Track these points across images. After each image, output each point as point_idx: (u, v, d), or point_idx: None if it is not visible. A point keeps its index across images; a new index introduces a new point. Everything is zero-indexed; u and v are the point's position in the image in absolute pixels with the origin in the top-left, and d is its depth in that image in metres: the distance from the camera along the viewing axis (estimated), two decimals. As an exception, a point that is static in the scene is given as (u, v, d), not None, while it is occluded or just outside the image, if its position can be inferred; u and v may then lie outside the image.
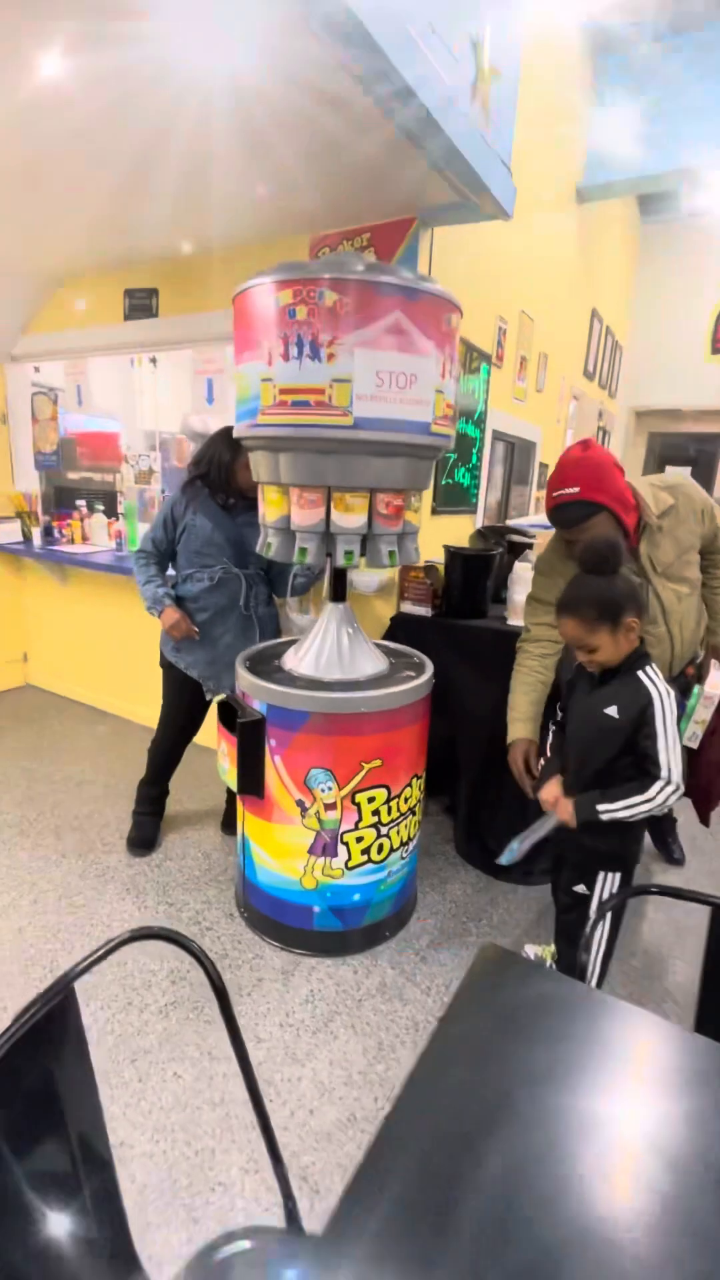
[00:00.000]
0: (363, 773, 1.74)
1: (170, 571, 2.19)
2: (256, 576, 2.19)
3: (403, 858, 1.92)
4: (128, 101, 1.59)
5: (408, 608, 2.47)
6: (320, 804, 1.74)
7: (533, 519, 3.16)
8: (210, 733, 2.29)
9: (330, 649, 1.85)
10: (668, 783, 1.34)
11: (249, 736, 1.75)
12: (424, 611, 2.44)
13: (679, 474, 1.82)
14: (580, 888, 1.51)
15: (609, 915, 1.49)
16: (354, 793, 1.75)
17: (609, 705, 1.40)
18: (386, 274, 1.42)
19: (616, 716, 1.38)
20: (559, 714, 1.62)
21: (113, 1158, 0.81)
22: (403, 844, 1.89)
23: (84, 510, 3.53)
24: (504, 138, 1.93)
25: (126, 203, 2.21)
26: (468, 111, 1.69)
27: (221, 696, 2.22)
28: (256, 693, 1.76)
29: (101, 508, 3.52)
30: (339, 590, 1.89)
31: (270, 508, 1.69)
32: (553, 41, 3.15)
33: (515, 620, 2.34)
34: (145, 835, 2.36)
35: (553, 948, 1.76)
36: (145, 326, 2.96)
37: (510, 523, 2.93)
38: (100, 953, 0.78)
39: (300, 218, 2.32)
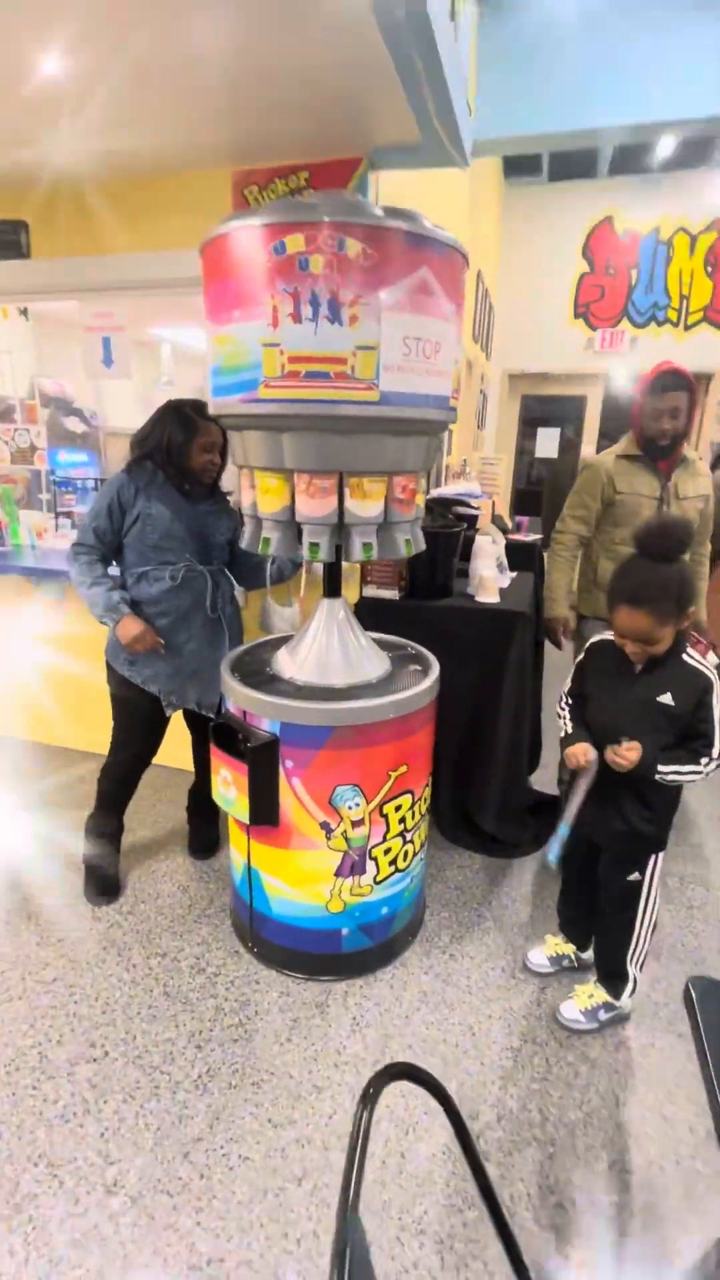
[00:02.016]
0: (390, 782, 1.61)
1: (113, 569, 1.84)
2: (220, 572, 1.92)
3: (421, 859, 1.83)
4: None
5: (372, 592, 2.32)
6: (348, 822, 1.59)
7: (459, 488, 3.12)
8: (168, 750, 2.02)
9: (334, 650, 1.66)
10: (716, 758, 1.36)
11: (262, 761, 1.53)
12: (391, 594, 2.31)
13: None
14: (635, 875, 1.52)
15: (657, 895, 1.53)
16: (382, 804, 1.61)
17: (661, 694, 1.38)
18: (411, 220, 1.22)
19: (673, 704, 1.37)
20: (566, 697, 1.59)
21: None
22: (421, 845, 1.80)
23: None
24: (465, 69, 1.76)
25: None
26: (448, 27, 1.50)
27: (192, 710, 1.96)
28: (264, 710, 1.54)
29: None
30: (334, 583, 1.70)
31: (266, 497, 1.45)
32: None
33: (483, 597, 2.29)
34: (105, 880, 2.04)
35: (559, 939, 1.79)
36: (11, 269, 2.42)
37: (448, 493, 2.86)
38: (358, 1139, 0.59)
39: (220, 147, 1.98)
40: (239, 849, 1.75)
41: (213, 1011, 1.64)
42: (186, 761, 2.23)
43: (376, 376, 1.26)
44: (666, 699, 1.38)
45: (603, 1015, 1.60)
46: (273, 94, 1.65)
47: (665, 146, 4.76)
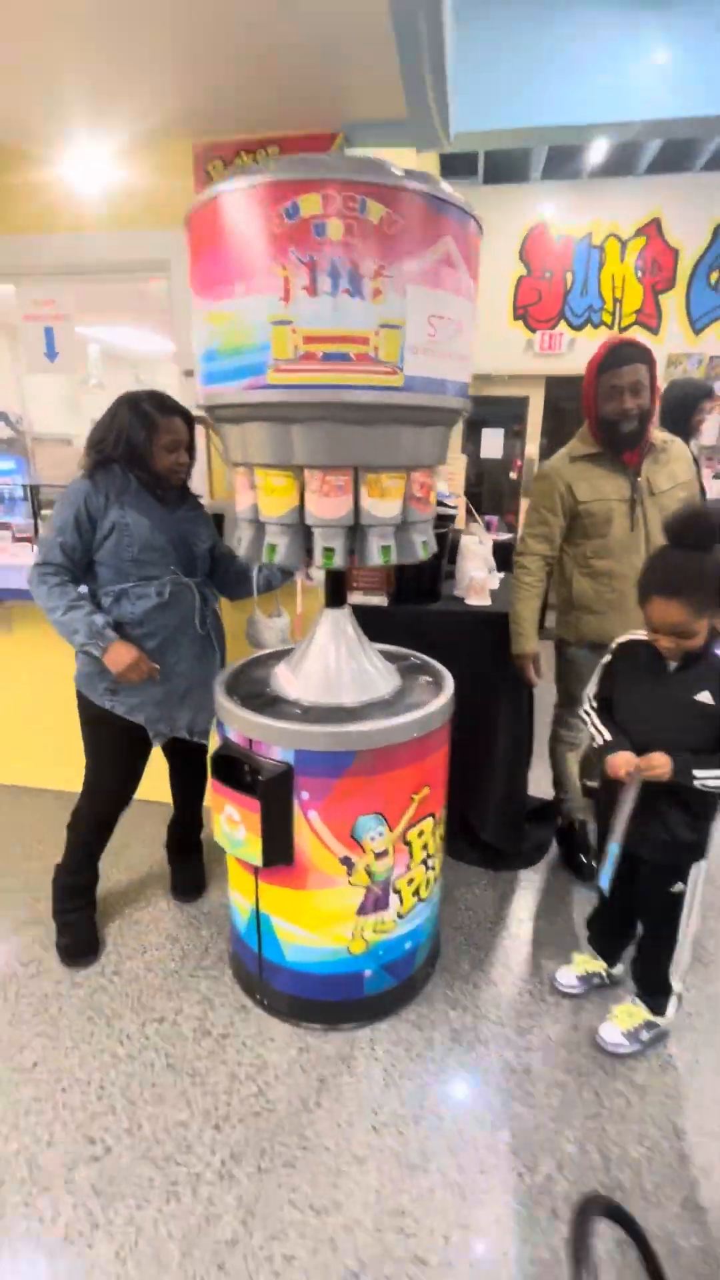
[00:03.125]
0: (414, 806, 1.47)
1: (82, 588, 1.62)
2: (205, 584, 1.73)
3: (438, 884, 1.70)
4: None
5: (359, 599, 2.18)
6: (370, 855, 1.44)
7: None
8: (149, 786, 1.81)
9: (342, 665, 1.51)
10: None
11: (275, 795, 1.36)
12: (379, 601, 2.18)
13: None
14: (678, 886, 1.44)
15: (700, 906, 1.46)
16: (405, 831, 1.47)
17: (699, 691, 1.31)
18: (432, 183, 1.10)
19: (713, 702, 1.30)
20: (591, 701, 1.51)
21: None
22: (439, 870, 1.67)
23: None
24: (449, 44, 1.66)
25: None
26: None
27: (191, 739, 1.74)
28: (276, 737, 1.37)
29: None
30: (339, 591, 1.55)
31: (271, 499, 1.28)
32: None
33: (474, 600, 2.20)
34: (84, 938, 1.80)
35: (590, 956, 1.70)
36: None
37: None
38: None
39: (178, 114, 1.79)
40: (243, 892, 1.56)
41: (226, 1081, 1.45)
42: (159, 793, 2.01)
43: (401, 359, 1.13)
44: (705, 697, 1.31)
45: (645, 1035, 1.52)
46: (235, 52, 1.49)
47: (596, 153, 4.88)
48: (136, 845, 2.26)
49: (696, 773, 1.30)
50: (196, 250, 1.20)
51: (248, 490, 1.34)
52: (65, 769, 2.34)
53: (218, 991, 1.69)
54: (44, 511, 2.85)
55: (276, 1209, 1.21)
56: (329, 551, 1.28)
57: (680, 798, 1.36)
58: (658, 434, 1.85)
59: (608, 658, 1.49)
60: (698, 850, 1.42)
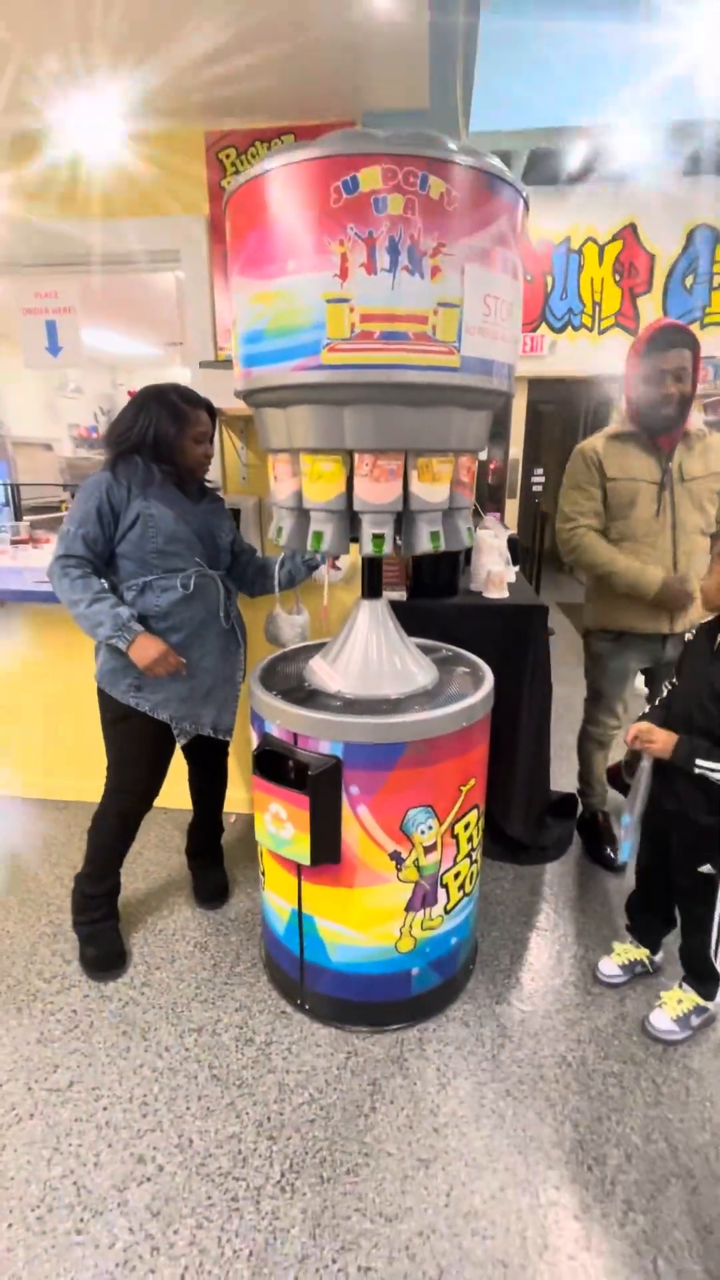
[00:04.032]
0: (461, 798, 1.44)
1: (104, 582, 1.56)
2: (228, 578, 1.68)
3: (478, 879, 1.68)
4: None
5: (378, 593, 2.15)
6: (420, 849, 1.41)
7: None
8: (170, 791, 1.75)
9: (382, 657, 1.48)
10: None
11: (324, 789, 1.32)
12: (399, 595, 2.15)
13: None
14: (707, 868, 1.44)
15: None
16: (453, 823, 1.45)
17: None
18: (487, 160, 1.08)
19: None
20: (660, 689, 1.52)
21: None
22: (480, 864, 1.65)
23: None
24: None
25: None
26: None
27: (199, 735, 1.69)
28: (322, 730, 1.33)
29: None
30: (376, 581, 1.52)
31: (319, 484, 1.25)
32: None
33: (492, 593, 2.19)
34: (110, 949, 1.73)
35: (630, 944, 1.70)
36: None
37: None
38: None
39: (193, 103, 1.75)
40: (283, 894, 1.52)
41: (276, 1090, 1.40)
42: (166, 798, 1.94)
43: (458, 339, 1.11)
44: None
45: (695, 1021, 1.52)
46: (259, 39, 1.47)
47: (574, 157, 4.97)
48: (150, 853, 2.19)
49: (699, 760, 1.31)
50: (238, 230, 1.17)
51: (289, 478, 1.31)
52: (81, 781, 2.27)
53: (255, 998, 1.63)
54: (26, 518, 2.76)
55: (345, 1219, 1.16)
56: (378, 538, 1.25)
57: (698, 781, 1.36)
58: (698, 421, 1.82)
59: (690, 635, 1.48)
60: None
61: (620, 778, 2.38)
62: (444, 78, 1.53)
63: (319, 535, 1.28)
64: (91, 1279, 1.08)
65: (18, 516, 4.69)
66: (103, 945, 1.72)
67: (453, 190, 1.04)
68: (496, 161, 1.10)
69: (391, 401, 1.15)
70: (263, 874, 1.60)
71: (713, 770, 1.31)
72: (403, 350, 1.09)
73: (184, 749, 1.80)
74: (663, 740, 1.36)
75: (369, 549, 1.26)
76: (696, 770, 1.32)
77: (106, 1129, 1.32)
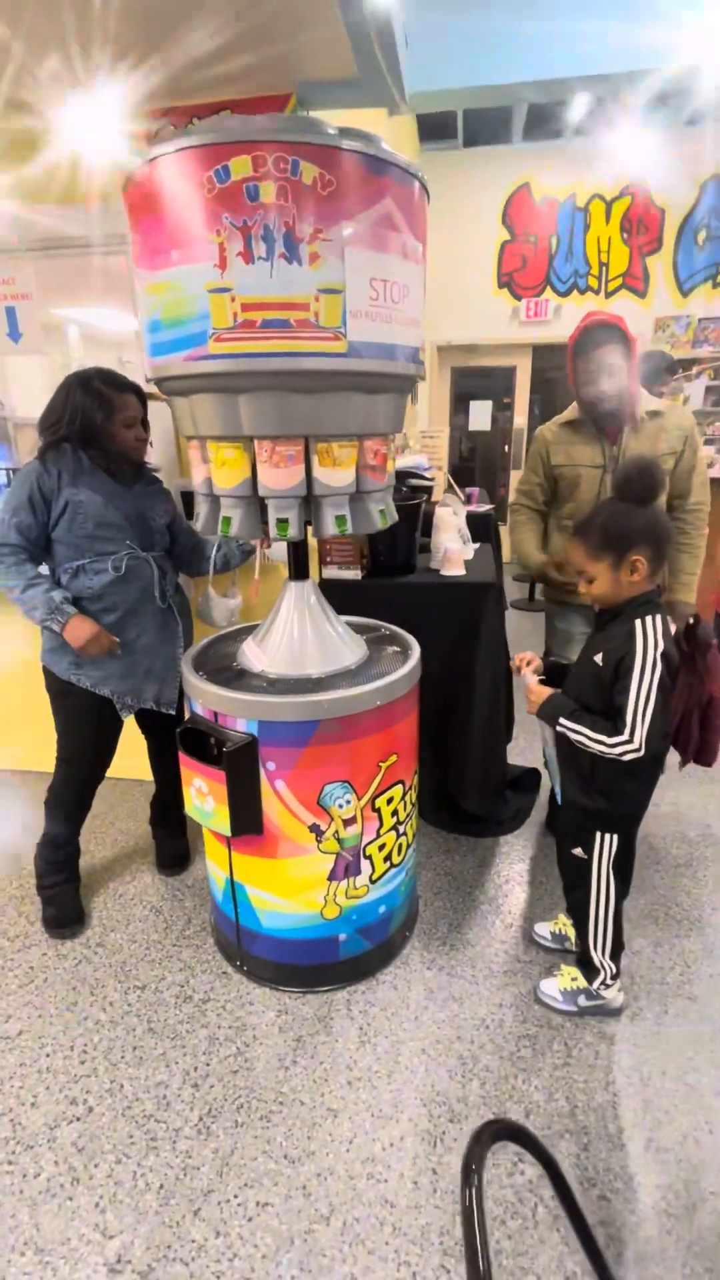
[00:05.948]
0: (381, 774, 1.49)
1: (42, 568, 1.63)
2: (164, 558, 1.74)
3: (414, 850, 1.73)
4: None
5: (332, 573, 2.18)
6: (339, 822, 1.46)
7: (407, 460, 3.01)
8: (118, 759, 1.83)
9: (307, 637, 1.52)
10: (627, 741, 1.24)
11: (240, 765, 1.38)
12: (353, 575, 2.17)
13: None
14: (578, 851, 1.46)
15: (612, 881, 1.44)
16: (374, 798, 1.50)
17: (598, 652, 1.32)
18: (369, 142, 1.08)
19: (600, 664, 1.30)
20: None
21: None
22: (413, 836, 1.70)
23: None
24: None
25: None
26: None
27: (148, 711, 1.77)
28: (238, 709, 1.39)
29: None
30: (302, 563, 1.55)
31: (223, 471, 1.28)
32: None
33: (450, 571, 2.20)
34: (68, 910, 1.84)
35: (564, 918, 1.73)
36: None
37: (401, 465, 2.74)
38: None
39: (129, 78, 1.75)
40: (219, 862, 1.60)
41: (206, 1043, 1.49)
42: (140, 770, 2.04)
43: (343, 324, 1.12)
44: (598, 658, 1.31)
45: (583, 1001, 1.53)
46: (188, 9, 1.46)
47: (577, 109, 4.74)
48: (120, 822, 2.30)
49: (563, 719, 1.32)
50: (134, 219, 1.19)
51: (201, 464, 1.34)
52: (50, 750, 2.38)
53: (200, 960, 1.73)
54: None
55: (251, 1160, 1.26)
56: (282, 523, 1.28)
57: (572, 755, 1.38)
58: (649, 404, 1.81)
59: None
60: (605, 822, 1.40)
61: None
62: (363, 43, 1.49)
63: (228, 520, 1.32)
64: (16, 1203, 1.19)
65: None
66: (62, 907, 1.84)
67: (327, 175, 1.04)
68: (382, 146, 1.09)
69: (284, 388, 1.17)
70: (205, 844, 1.68)
71: (573, 731, 1.30)
72: (286, 338, 1.10)
73: (141, 725, 1.89)
74: (538, 694, 1.38)
75: (275, 533, 1.29)
76: (558, 728, 1.33)
77: (46, 1074, 1.43)
